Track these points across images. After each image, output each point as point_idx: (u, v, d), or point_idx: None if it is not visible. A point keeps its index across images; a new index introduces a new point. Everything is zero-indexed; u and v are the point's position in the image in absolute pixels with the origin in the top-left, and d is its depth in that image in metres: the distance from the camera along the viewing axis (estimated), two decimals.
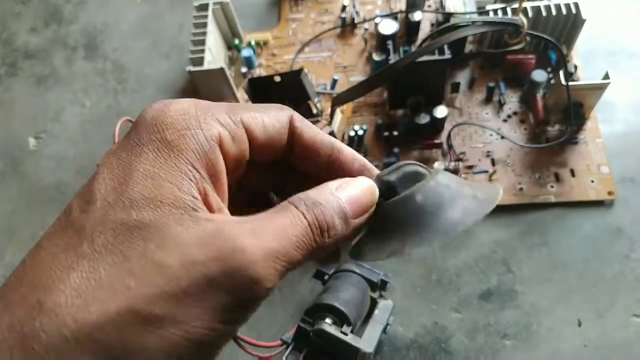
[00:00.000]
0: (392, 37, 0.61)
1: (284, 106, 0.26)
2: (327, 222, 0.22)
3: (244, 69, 0.67)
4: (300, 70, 0.55)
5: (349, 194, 0.23)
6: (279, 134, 0.25)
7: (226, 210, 0.22)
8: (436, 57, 0.54)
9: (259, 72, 0.68)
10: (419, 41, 0.66)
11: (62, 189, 0.64)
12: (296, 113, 0.26)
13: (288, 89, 0.57)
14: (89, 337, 0.17)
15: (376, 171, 0.26)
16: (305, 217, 0.22)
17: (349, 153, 0.26)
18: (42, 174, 0.66)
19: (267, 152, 0.25)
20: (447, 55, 0.54)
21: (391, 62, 0.54)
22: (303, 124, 0.26)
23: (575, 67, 0.62)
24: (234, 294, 0.19)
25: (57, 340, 0.17)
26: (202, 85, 0.62)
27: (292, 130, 0.25)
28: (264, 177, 0.28)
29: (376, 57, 0.63)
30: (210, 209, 0.21)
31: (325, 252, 0.23)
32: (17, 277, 0.19)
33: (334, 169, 0.26)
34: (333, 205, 0.23)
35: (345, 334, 0.42)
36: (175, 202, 0.20)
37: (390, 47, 0.57)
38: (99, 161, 0.22)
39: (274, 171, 0.28)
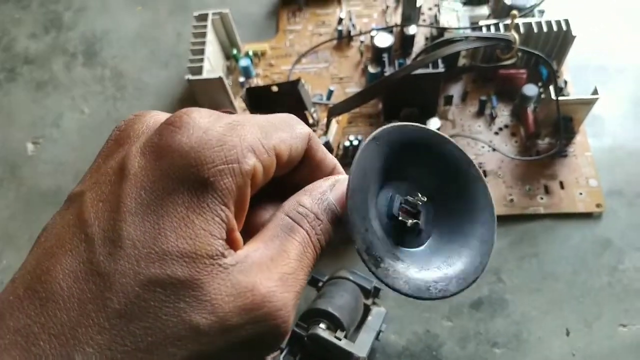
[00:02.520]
0: (387, 50, 0.63)
1: (300, 120, 0.24)
2: (330, 235, 0.22)
3: (241, 79, 0.68)
4: (298, 80, 0.56)
5: (341, 195, 0.23)
6: (299, 155, 0.23)
7: (238, 236, 0.21)
8: (430, 70, 0.56)
9: (256, 81, 0.69)
10: (413, 54, 0.67)
11: (60, 195, 0.64)
12: (311, 131, 0.25)
13: (285, 99, 0.58)
14: None
15: None
16: (311, 241, 0.21)
17: (345, 178, 0.25)
18: (40, 179, 0.66)
19: (284, 170, 0.23)
20: (441, 68, 0.56)
21: (386, 74, 0.56)
22: (317, 144, 0.25)
23: (566, 82, 0.64)
24: (267, 348, 0.20)
25: None
26: (201, 94, 0.63)
27: (308, 148, 0.24)
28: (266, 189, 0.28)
29: (372, 69, 0.65)
30: (234, 244, 0.20)
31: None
32: (36, 316, 0.17)
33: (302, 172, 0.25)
34: (331, 217, 0.22)
35: (339, 339, 0.43)
36: (208, 251, 0.18)
37: (386, 59, 0.58)
38: (102, 177, 0.20)
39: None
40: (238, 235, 0.20)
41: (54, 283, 0.17)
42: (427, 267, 0.23)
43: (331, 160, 0.25)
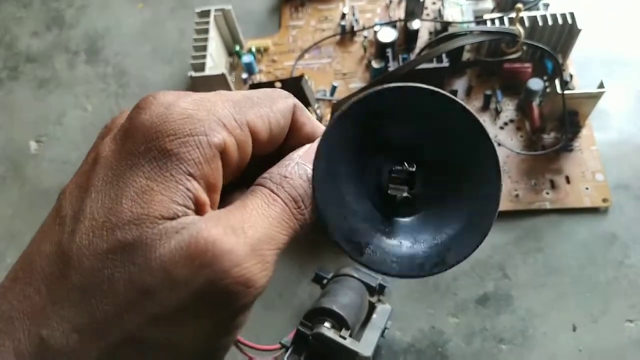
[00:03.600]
0: (391, 45, 0.62)
1: (287, 94, 0.24)
2: (300, 193, 0.21)
3: (244, 75, 0.68)
4: (301, 76, 0.56)
5: (311, 154, 0.22)
6: (282, 130, 0.23)
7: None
8: (434, 65, 0.55)
9: (259, 78, 0.69)
10: (417, 49, 0.67)
11: None
12: (298, 103, 0.24)
13: None
14: None
15: None
16: (276, 194, 0.21)
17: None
18: (43, 178, 0.66)
19: (268, 148, 0.23)
20: (445, 63, 0.55)
21: (390, 69, 0.55)
22: (304, 116, 0.24)
23: (571, 76, 0.64)
24: (227, 304, 0.18)
25: None
26: (204, 91, 0.63)
27: (293, 122, 0.24)
28: (258, 168, 0.26)
29: (375, 64, 0.64)
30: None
31: (310, 225, 0.22)
32: (15, 300, 0.18)
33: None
34: (301, 175, 0.22)
35: (344, 338, 0.42)
36: (162, 212, 0.18)
37: (390, 54, 0.58)
38: (81, 168, 0.21)
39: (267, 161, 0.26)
40: (210, 210, 0.20)
41: (33, 268, 0.19)
42: (421, 240, 0.22)
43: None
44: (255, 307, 0.57)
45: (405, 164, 0.22)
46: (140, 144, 0.19)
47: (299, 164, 0.22)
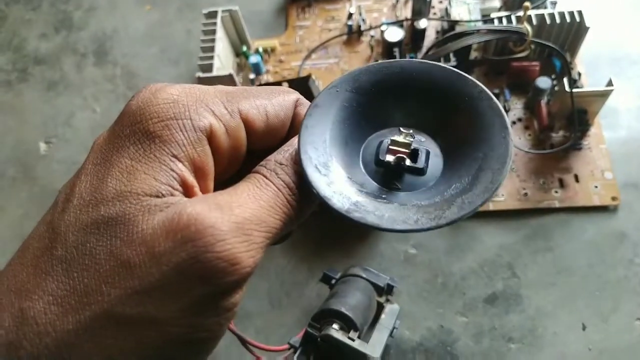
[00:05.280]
0: (398, 44, 0.62)
1: (290, 90, 0.24)
2: (295, 180, 0.21)
3: (251, 76, 0.68)
4: (308, 76, 0.56)
5: None
6: (281, 123, 0.23)
7: None
8: (442, 64, 0.55)
9: (266, 78, 0.69)
10: (424, 49, 0.67)
11: None
12: (302, 98, 0.24)
13: None
14: (69, 345, 0.17)
15: None
16: (270, 180, 0.21)
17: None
18: (53, 179, 0.67)
19: (268, 140, 0.23)
20: (453, 62, 0.55)
21: None
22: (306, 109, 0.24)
23: (579, 74, 0.63)
24: (210, 280, 0.18)
25: (39, 350, 0.17)
26: None
27: (296, 116, 0.24)
28: None
29: None
30: None
31: (308, 211, 0.22)
32: (5, 280, 0.19)
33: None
34: (297, 161, 0.21)
35: (353, 340, 0.42)
36: (145, 189, 0.19)
37: (397, 54, 0.58)
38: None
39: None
40: (199, 193, 0.20)
41: (26, 249, 0.19)
42: (421, 201, 0.21)
43: None
44: (264, 306, 0.57)
45: (403, 130, 0.22)
46: (126, 127, 0.20)
47: (295, 148, 0.22)
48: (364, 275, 0.50)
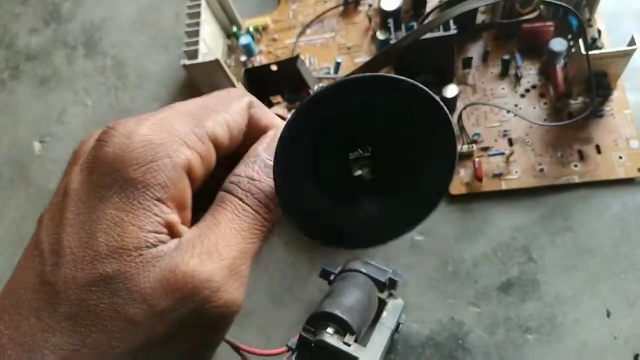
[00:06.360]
0: (394, 13, 0.57)
1: (241, 92, 0.24)
2: (268, 194, 0.22)
3: (243, 58, 0.64)
4: (297, 57, 0.52)
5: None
6: (241, 130, 0.24)
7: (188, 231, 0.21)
8: (441, 33, 0.50)
9: (259, 59, 0.65)
10: (430, 17, 0.61)
11: None
12: (253, 99, 0.25)
13: (286, 78, 0.54)
14: None
15: None
16: (246, 203, 0.21)
17: (278, 127, 0.26)
18: (49, 179, 0.65)
19: (230, 151, 0.24)
20: (453, 30, 0.50)
21: (392, 42, 0.51)
22: (260, 110, 0.25)
23: (599, 31, 0.57)
24: (210, 325, 0.20)
25: None
26: (200, 79, 0.60)
27: (250, 118, 0.24)
28: (223, 170, 0.26)
29: (380, 35, 0.60)
30: (178, 236, 0.21)
31: (279, 217, 0.23)
32: (5, 330, 0.19)
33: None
34: (267, 173, 0.22)
35: (348, 345, 0.40)
36: (135, 244, 0.19)
37: (391, 25, 0.53)
38: (53, 199, 0.21)
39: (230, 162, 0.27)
40: (183, 227, 0.21)
41: (18, 298, 0.19)
42: (379, 210, 0.23)
43: (281, 122, 0.25)
44: (264, 303, 0.55)
45: (360, 150, 0.23)
46: (106, 176, 0.20)
47: (265, 161, 0.22)
48: (363, 270, 0.46)
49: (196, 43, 0.58)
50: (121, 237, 0.19)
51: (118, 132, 0.20)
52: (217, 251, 0.20)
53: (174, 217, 0.20)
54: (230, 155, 0.24)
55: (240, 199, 0.21)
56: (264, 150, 0.23)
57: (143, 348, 0.19)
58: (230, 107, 0.23)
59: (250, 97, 0.25)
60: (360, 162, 0.23)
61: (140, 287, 0.19)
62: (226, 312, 0.20)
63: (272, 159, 0.21)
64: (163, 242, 0.20)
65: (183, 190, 0.21)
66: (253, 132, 0.24)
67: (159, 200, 0.20)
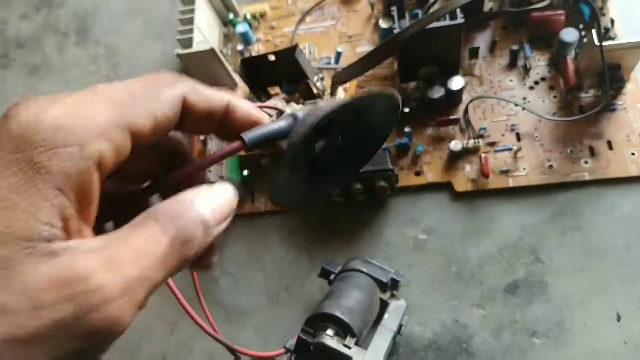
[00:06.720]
0: (398, 1, 0.54)
1: (176, 78, 0.23)
2: (190, 235, 0.21)
3: (240, 47, 0.62)
4: (295, 47, 0.50)
5: (211, 204, 0.22)
6: (169, 120, 0.22)
7: (88, 232, 0.20)
8: (447, 22, 0.48)
9: (257, 48, 0.63)
10: (436, 5, 0.59)
11: None
12: (189, 84, 0.23)
13: (284, 68, 0.52)
14: None
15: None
16: (166, 234, 0.20)
17: (245, 112, 0.25)
18: None
19: (151, 141, 0.22)
20: (460, 19, 0.47)
21: (396, 31, 0.48)
22: (197, 97, 0.23)
23: (613, 21, 0.54)
24: (89, 339, 0.18)
25: None
26: (195, 69, 0.57)
27: (184, 106, 0.23)
28: (145, 163, 0.26)
29: (383, 24, 0.57)
30: (70, 235, 0.19)
31: (187, 264, 0.22)
32: None
33: (228, 129, 0.25)
34: (194, 217, 0.21)
35: (349, 347, 0.38)
36: (29, 235, 0.18)
37: (395, 13, 0.50)
38: None
39: (156, 153, 0.26)
40: (78, 226, 0.20)
41: None
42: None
43: (220, 102, 0.24)
44: (261, 303, 0.53)
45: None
46: (7, 154, 0.18)
47: (194, 206, 0.22)
48: (365, 270, 0.44)
49: (191, 31, 0.55)
50: (12, 223, 0.18)
51: (28, 109, 0.19)
52: (120, 265, 0.19)
53: (71, 211, 0.19)
54: (153, 145, 0.23)
55: (162, 228, 0.20)
56: (199, 204, 0.22)
57: (9, 343, 0.17)
58: (160, 95, 0.22)
59: (186, 86, 0.23)
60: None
61: (23, 278, 0.17)
62: (107, 330, 0.18)
63: (206, 212, 0.22)
64: (58, 238, 0.18)
65: (89, 184, 0.19)
66: (190, 117, 0.23)
67: (59, 190, 0.18)
